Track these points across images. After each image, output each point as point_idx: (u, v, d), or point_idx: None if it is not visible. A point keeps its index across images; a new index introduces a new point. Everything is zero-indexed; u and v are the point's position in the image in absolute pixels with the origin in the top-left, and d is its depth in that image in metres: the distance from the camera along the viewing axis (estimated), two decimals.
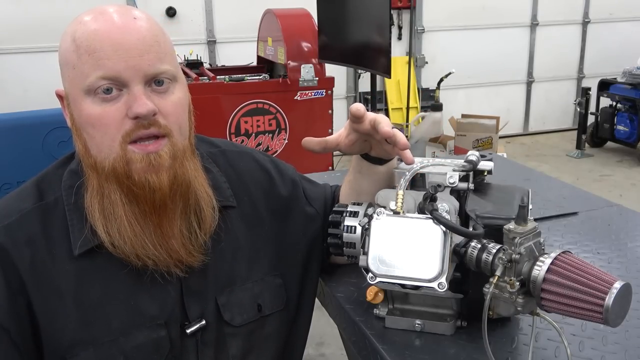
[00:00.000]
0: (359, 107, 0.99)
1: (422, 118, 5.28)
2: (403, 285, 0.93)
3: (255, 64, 4.45)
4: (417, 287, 0.92)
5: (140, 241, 0.90)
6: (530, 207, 0.96)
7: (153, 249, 0.90)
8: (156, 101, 0.89)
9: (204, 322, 0.98)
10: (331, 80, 3.80)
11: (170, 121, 0.91)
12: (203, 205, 0.97)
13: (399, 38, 5.91)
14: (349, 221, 0.99)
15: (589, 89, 5.74)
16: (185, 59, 4.35)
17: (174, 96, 0.92)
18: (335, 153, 4.08)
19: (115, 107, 0.88)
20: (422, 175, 1.03)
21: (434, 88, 5.69)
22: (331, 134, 4.23)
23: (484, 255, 0.87)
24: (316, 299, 1.21)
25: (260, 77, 3.95)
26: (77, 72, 0.88)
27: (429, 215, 0.90)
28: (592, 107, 5.91)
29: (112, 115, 0.87)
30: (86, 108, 0.88)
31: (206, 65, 4.58)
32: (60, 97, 0.96)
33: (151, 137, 0.89)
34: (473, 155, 1.00)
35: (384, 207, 0.95)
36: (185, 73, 3.83)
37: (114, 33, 0.87)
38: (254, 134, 3.74)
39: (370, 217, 0.94)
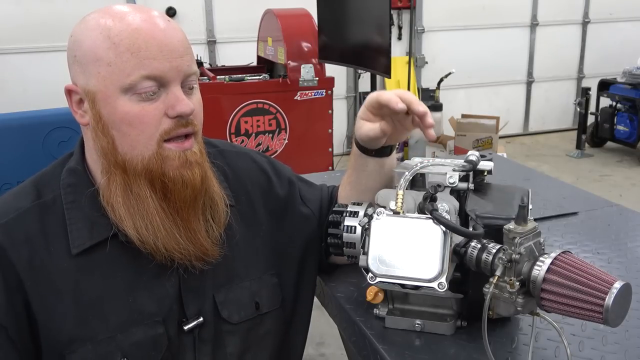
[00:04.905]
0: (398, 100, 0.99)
1: None
2: (403, 285, 0.93)
3: (255, 64, 4.44)
4: (417, 287, 0.92)
5: (170, 236, 0.92)
6: (530, 207, 0.96)
7: (184, 243, 0.93)
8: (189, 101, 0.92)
9: (201, 319, 0.98)
10: (331, 80, 3.80)
11: (197, 120, 0.95)
12: (217, 200, 1.00)
13: (399, 38, 5.90)
14: (349, 221, 0.99)
15: (589, 89, 5.73)
16: None
17: (197, 96, 0.96)
18: (335, 153, 4.08)
19: (154, 106, 0.89)
20: (422, 175, 1.03)
21: (434, 88, 5.69)
22: (331, 134, 4.22)
23: (484, 255, 0.87)
24: (316, 299, 1.21)
25: (260, 77, 3.94)
26: (115, 69, 0.88)
27: (429, 215, 0.90)
28: (592, 107, 5.90)
29: (152, 114, 0.89)
30: (122, 105, 0.89)
31: (206, 65, 4.58)
32: (69, 93, 0.94)
33: (182, 136, 0.93)
34: (473, 155, 1.00)
35: (384, 207, 0.95)
36: None
37: (157, 33, 0.89)
38: (254, 134, 3.74)
39: (370, 217, 0.94)
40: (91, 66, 0.90)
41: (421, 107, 0.99)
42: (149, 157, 0.90)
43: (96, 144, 0.93)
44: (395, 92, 1.01)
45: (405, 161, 1.08)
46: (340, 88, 5.64)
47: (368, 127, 1.05)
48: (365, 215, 0.98)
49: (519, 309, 0.83)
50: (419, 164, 1.00)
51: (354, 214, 0.99)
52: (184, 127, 0.91)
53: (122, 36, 0.88)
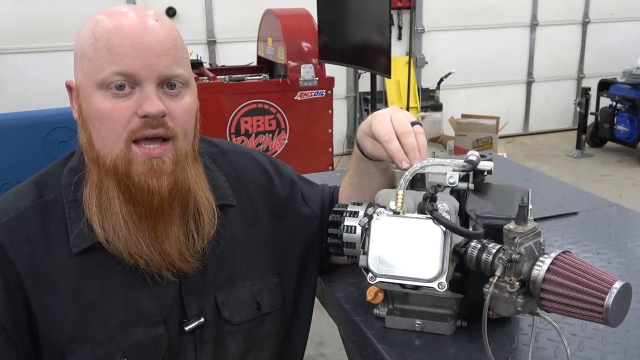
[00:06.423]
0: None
1: (422, 118, 5.28)
2: (403, 285, 0.93)
3: (255, 64, 4.45)
4: (417, 287, 0.92)
5: (134, 240, 0.90)
6: (530, 207, 0.95)
7: (147, 249, 0.91)
8: (166, 103, 0.90)
9: (202, 319, 0.98)
10: (331, 80, 3.80)
11: (177, 125, 0.91)
12: (202, 211, 0.97)
13: (399, 38, 5.90)
14: (349, 221, 0.99)
15: (589, 89, 5.74)
16: None
17: (184, 101, 0.93)
18: (335, 152, 4.08)
19: (125, 104, 0.88)
20: (422, 175, 1.03)
21: (434, 88, 5.69)
22: (331, 134, 4.22)
23: (484, 255, 0.87)
24: (316, 299, 1.21)
25: (260, 77, 3.94)
26: (93, 65, 0.88)
27: (429, 215, 0.90)
28: (592, 107, 5.90)
29: (121, 111, 0.88)
30: (96, 101, 0.89)
31: (206, 65, 4.58)
32: (69, 88, 0.96)
33: (157, 139, 0.90)
34: (473, 155, 1.00)
35: (384, 207, 0.94)
36: None
37: (134, 31, 0.88)
38: (254, 134, 3.74)
39: (370, 217, 0.94)
40: (79, 61, 0.91)
41: (393, 147, 0.98)
42: (116, 156, 0.89)
43: (80, 139, 0.94)
44: (393, 119, 0.99)
45: None
46: (340, 88, 5.64)
47: (379, 151, 1.02)
48: (365, 215, 0.98)
49: (519, 309, 0.83)
50: (419, 164, 1.00)
51: (354, 214, 0.99)
52: (153, 129, 0.89)
53: (102, 32, 0.88)
